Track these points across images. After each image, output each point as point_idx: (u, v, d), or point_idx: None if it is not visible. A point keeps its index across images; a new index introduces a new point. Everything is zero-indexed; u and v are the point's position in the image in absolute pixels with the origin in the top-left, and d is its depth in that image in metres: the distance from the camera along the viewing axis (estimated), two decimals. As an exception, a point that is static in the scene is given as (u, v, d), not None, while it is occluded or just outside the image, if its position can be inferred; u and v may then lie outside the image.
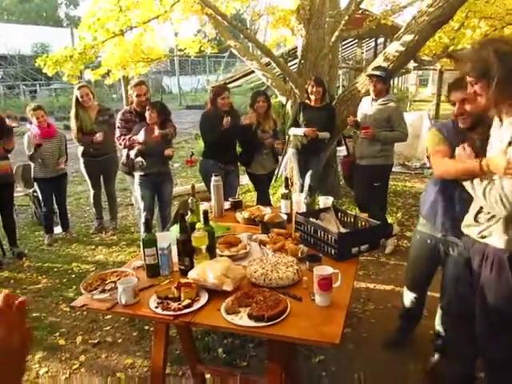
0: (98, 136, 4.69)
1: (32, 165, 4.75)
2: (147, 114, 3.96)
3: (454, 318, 2.22)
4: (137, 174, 4.18)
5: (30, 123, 4.78)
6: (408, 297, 2.77)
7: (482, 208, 1.85)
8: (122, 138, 4.14)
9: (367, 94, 4.34)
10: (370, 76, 4.10)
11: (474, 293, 1.95)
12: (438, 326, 2.65)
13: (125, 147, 4.20)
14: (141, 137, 3.95)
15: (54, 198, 4.95)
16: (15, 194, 4.89)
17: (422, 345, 2.82)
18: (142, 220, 4.35)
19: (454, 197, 2.26)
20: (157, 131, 3.91)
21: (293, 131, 4.60)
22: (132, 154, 4.10)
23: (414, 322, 2.86)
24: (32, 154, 4.60)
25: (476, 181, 1.80)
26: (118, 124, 4.27)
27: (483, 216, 1.85)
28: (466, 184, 1.87)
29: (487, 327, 1.94)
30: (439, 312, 2.64)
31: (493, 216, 1.80)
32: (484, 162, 1.74)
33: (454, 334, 2.26)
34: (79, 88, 4.81)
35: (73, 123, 4.86)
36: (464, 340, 2.15)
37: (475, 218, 1.89)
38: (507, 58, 1.63)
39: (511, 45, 1.68)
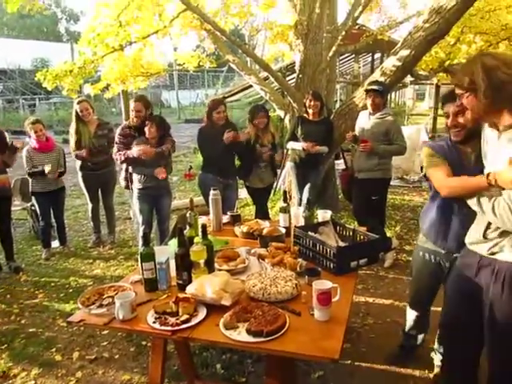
0: (83, 152, 4.74)
1: (30, 179, 4.75)
2: (146, 128, 3.97)
3: (453, 331, 2.19)
4: (135, 188, 4.18)
5: (29, 137, 4.79)
6: (410, 315, 2.74)
7: (490, 224, 1.82)
8: (119, 153, 4.14)
9: (365, 108, 4.37)
10: (368, 91, 4.14)
11: (480, 307, 1.93)
12: (437, 345, 2.64)
13: (121, 162, 4.21)
14: (134, 152, 3.95)
15: (51, 211, 4.95)
16: (13, 208, 4.87)
17: (423, 359, 2.79)
18: (140, 234, 4.34)
19: (453, 214, 2.24)
20: (141, 147, 3.93)
21: (291, 145, 4.62)
22: (130, 169, 4.12)
23: (417, 342, 2.81)
24: (32, 173, 4.61)
25: (483, 198, 1.78)
26: (116, 139, 4.27)
27: (492, 232, 1.82)
28: (471, 202, 1.84)
29: (496, 342, 1.92)
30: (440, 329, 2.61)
31: (504, 231, 1.77)
32: (491, 177, 1.72)
33: (452, 348, 2.24)
34: (79, 102, 4.83)
35: (72, 138, 4.87)
36: (464, 353, 2.13)
37: (484, 235, 1.85)
38: (493, 72, 1.67)
39: (500, 60, 1.71)
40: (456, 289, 2.10)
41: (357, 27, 6.62)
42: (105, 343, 3.17)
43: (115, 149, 4.26)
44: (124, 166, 4.36)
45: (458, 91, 1.80)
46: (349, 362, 2.84)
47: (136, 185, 4.15)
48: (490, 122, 1.77)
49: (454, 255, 2.25)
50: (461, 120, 2.08)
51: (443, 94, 2.26)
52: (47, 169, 4.58)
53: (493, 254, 1.82)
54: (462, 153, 2.14)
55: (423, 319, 2.72)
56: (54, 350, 3.13)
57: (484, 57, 1.74)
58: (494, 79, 1.67)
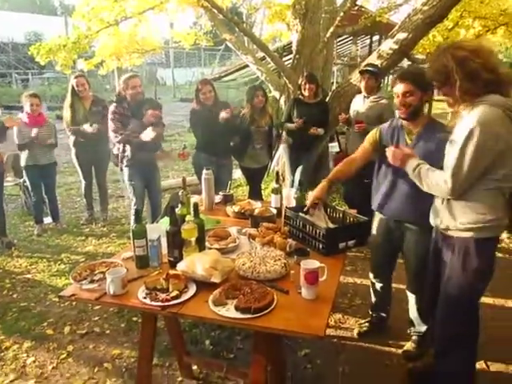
0: (87, 128, 4.68)
1: (22, 153, 4.73)
2: (151, 112, 3.92)
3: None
4: (127, 165, 4.14)
5: (22, 112, 4.74)
6: (374, 287, 2.92)
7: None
8: (120, 132, 4.00)
9: (360, 90, 4.36)
10: (362, 72, 4.13)
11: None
12: (412, 315, 2.74)
13: (120, 141, 4.06)
14: (146, 136, 3.86)
15: (42, 187, 4.93)
16: (5, 184, 4.85)
17: (395, 333, 2.94)
18: (133, 211, 4.35)
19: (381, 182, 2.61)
20: (152, 133, 3.89)
21: (287, 126, 4.62)
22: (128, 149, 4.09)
23: (385, 312, 2.98)
24: (22, 144, 4.58)
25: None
26: (111, 117, 4.06)
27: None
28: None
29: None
30: (411, 301, 2.72)
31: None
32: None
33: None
34: (76, 77, 4.78)
35: (67, 112, 4.83)
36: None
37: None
38: (465, 62, 1.79)
39: (466, 49, 1.82)
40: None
41: (355, 8, 6.52)
42: (96, 318, 3.22)
43: (113, 127, 4.05)
44: (118, 144, 4.26)
45: (435, 84, 1.96)
46: (335, 340, 2.91)
47: (128, 162, 4.12)
48: (466, 107, 1.88)
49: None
50: (408, 100, 2.28)
51: (394, 76, 2.44)
52: (34, 131, 4.53)
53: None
54: (406, 132, 2.42)
55: (386, 288, 2.89)
56: (45, 324, 3.17)
57: (453, 49, 1.85)
58: (467, 70, 1.78)
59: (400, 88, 2.29)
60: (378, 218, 2.67)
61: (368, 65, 4.27)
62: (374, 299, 2.97)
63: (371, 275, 2.93)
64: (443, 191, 1.94)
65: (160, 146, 4.25)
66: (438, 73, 1.88)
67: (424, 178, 2.01)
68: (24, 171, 4.85)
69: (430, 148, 2.26)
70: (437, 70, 1.89)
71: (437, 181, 1.95)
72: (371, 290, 2.97)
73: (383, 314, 2.96)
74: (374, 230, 2.67)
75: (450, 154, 1.90)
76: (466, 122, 1.82)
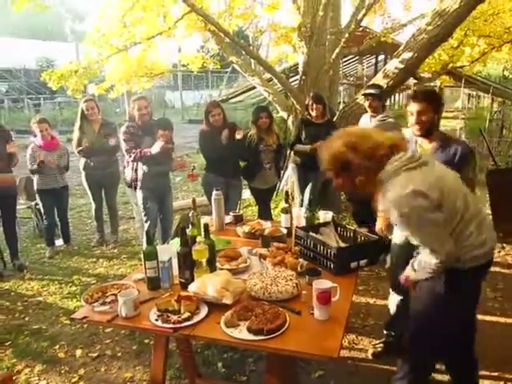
0: (84, 142, 4.78)
1: (35, 177, 4.80)
2: (161, 132, 3.97)
3: None
4: (143, 187, 4.18)
5: (35, 136, 4.84)
6: (393, 300, 2.85)
7: None
8: (133, 151, 4.06)
9: (367, 110, 4.40)
10: (365, 94, 4.17)
11: None
12: None
13: (134, 160, 4.13)
14: (154, 149, 3.94)
15: (55, 210, 4.99)
16: (18, 206, 4.92)
17: None
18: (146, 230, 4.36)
19: None
20: (159, 143, 3.95)
21: (299, 148, 4.63)
22: (142, 167, 4.15)
23: (400, 330, 2.88)
24: (33, 169, 4.67)
25: None
26: (124, 138, 4.16)
27: None
28: None
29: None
30: None
31: None
32: None
33: None
34: (85, 101, 4.88)
35: (75, 135, 4.91)
36: None
37: None
38: (357, 147, 1.79)
39: (356, 136, 1.84)
40: None
41: (360, 29, 6.63)
42: (108, 341, 3.21)
43: (126, 147, 4.13)
44: (131, 165, 4.31)
45: (331, 173, 1.90)
46: (349, 361, 2.86)
47: (142, 183, 4.16)
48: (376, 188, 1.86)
49: None
50: (423, 118, 2.36)
51: (408, 94, 2.49)
52: (47, 158, 4.63)
53: None
54: (418, 147, 2.49)
55: (405, 304, 2.77)
56: (57, 347, 3.17)
57: (339, 139, 1.85)
58: (361, 152, 1.79)
59: (415, 107, 2.38)
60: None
61: (370, 86, 4.32)
62: (391, 313, 2.90)
63: (390, 289, 2.88)
64: (437, 258, 1.81)
65: (171, 159, 4.29)
66: (335, 160, 1.84)
67: (418, 269, 1.95)
68: (37, 195, 4.92)
69: (446, 159, 2.31)
70: (332, 159, 1.85)
71: (423, 259, 1.88)
72: (389, 303, 2.90)
73: (398, 333, 2.90)
74: (393, 239, 2.67)
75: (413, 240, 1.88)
76: (390, 203, 1.78)
